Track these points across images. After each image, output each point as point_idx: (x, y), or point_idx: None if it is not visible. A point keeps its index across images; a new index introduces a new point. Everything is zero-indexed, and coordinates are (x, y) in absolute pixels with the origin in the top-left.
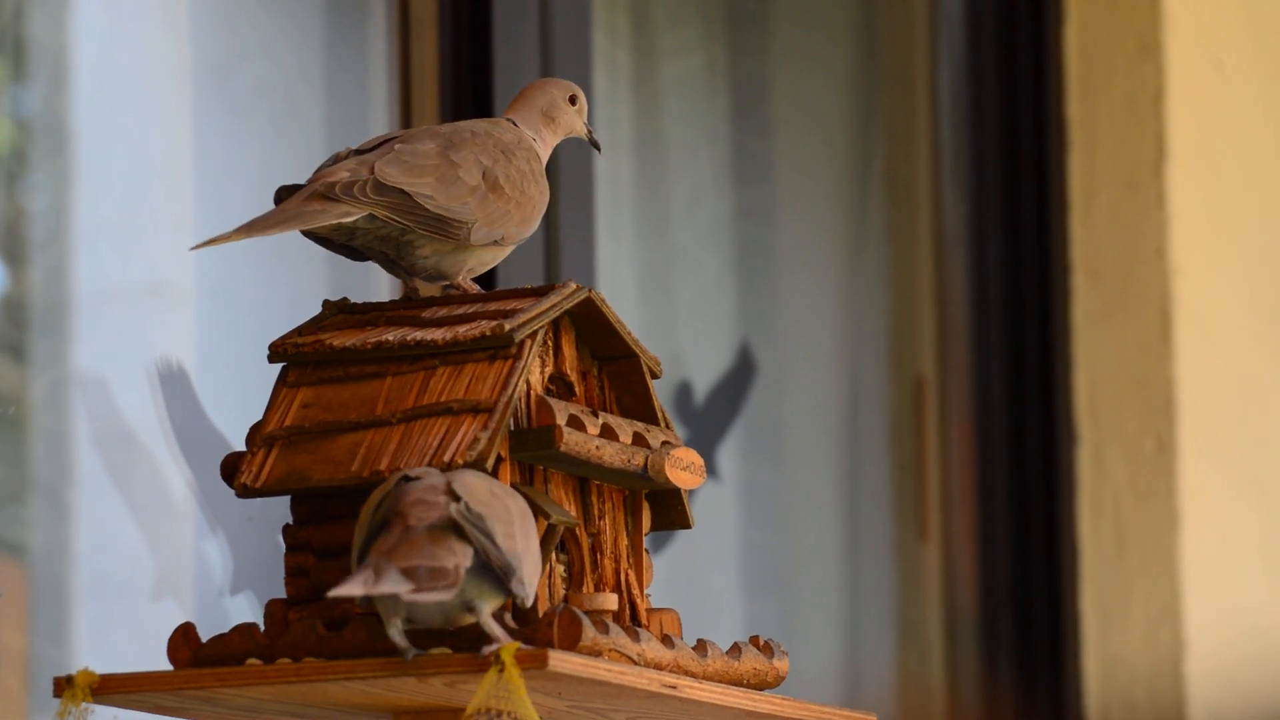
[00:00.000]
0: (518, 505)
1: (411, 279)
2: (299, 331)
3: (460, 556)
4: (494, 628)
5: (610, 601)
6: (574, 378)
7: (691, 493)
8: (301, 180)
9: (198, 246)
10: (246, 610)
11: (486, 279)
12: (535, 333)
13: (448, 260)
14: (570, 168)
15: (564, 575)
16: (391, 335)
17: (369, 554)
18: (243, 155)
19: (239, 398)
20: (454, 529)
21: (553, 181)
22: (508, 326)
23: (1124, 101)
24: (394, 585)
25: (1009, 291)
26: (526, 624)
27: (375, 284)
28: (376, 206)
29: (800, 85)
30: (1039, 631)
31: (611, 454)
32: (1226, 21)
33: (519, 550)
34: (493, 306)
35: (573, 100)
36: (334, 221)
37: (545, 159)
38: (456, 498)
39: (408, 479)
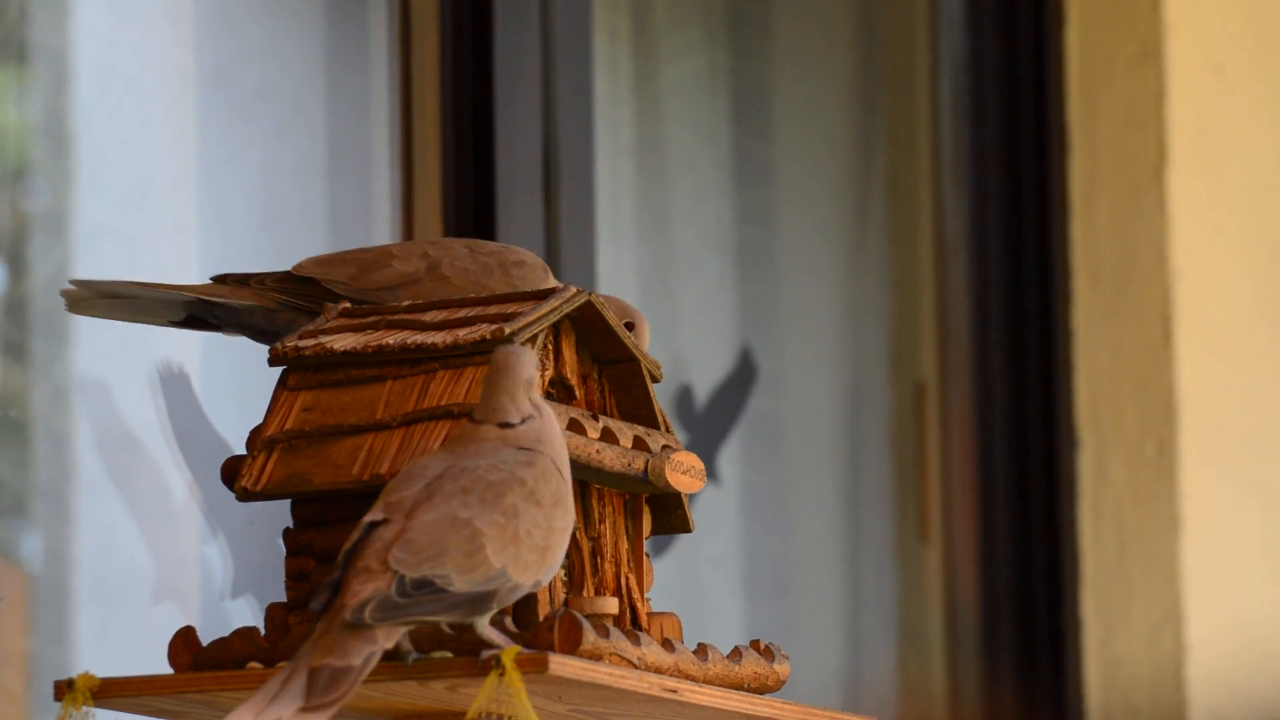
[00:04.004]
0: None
1: None
2: (300, 335)
3: (382, 642)
4: (491, 635)
5: (611, 605)
6: (574, 381)
7: (692, 496)
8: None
9: (67, 289)
10: (247, 614)
11: None
12: (535, 336)
13: None
14: (570, 170)
15: (564, 579)
16: (392, 339)
17: (309, 637)
18: (244, 157)
19: (240, 401)
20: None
21: (553, 184)
22: (508, 330)
23: (1125, 105)
24: (282, 708)
25: (1010, 295)
26: (527, 628)
27: None
28: (276, 295)
29: (801, 88)
30: (1040, 635)
31: (612, 458)
32: (1227, 26)
33: (494, 569)
34: (493, 310)
35: (630, 326)
36: (205, 299)
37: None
38: (396, 567)
39: (374, 524)
